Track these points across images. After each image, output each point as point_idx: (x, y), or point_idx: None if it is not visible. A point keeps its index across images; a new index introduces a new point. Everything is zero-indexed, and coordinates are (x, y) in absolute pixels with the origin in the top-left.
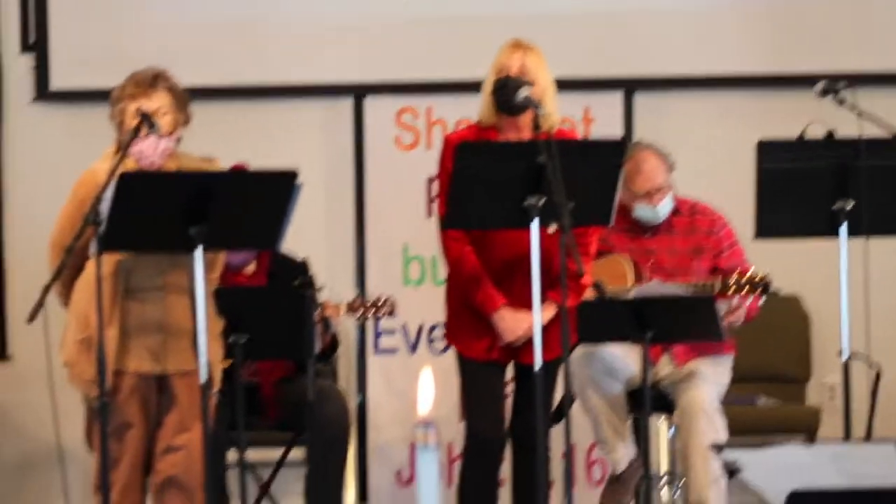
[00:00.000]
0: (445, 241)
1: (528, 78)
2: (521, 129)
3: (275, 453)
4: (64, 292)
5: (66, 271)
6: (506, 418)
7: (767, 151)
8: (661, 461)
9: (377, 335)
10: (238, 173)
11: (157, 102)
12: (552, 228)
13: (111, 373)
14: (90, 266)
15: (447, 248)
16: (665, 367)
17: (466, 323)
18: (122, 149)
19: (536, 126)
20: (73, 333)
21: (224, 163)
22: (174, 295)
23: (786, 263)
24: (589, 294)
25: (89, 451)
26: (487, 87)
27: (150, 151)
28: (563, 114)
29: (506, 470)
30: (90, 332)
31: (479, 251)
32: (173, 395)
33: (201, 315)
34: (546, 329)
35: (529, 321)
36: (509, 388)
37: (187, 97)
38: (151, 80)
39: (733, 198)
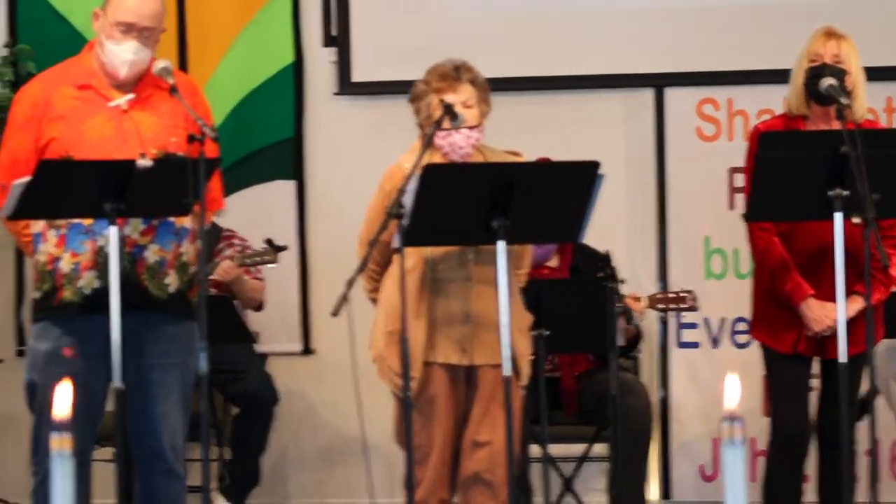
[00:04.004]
0: (753, 232)
1: (842, 67)
2: (830, 119)
3: (577, 448)
4: (371, 287)
5: (373, 265)
6: (811, 412)
7: None
8: None
9: (679, 328)
10: (540, 164)
11: (462, 95)
12: (857, 220)
13: (420, 365)
14: (397, 259)
15: (754, 238)
16: None
17: (773, 315)
18: (427, 141)
19: (840, 115)
20: (382, 326)
21: (527, 155)
22: (481, 286)
23: None
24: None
25: (399, 446)
26: (798, 76)
27: (462, 142)
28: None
29: (811, 465)
30: (398, 325)
31: (786, 242)
32: (480, 389)
33: (504, 309)
34: (852, 322)
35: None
36: (815, 382)
37: (489, 88)
38: (455, 73)
39: None
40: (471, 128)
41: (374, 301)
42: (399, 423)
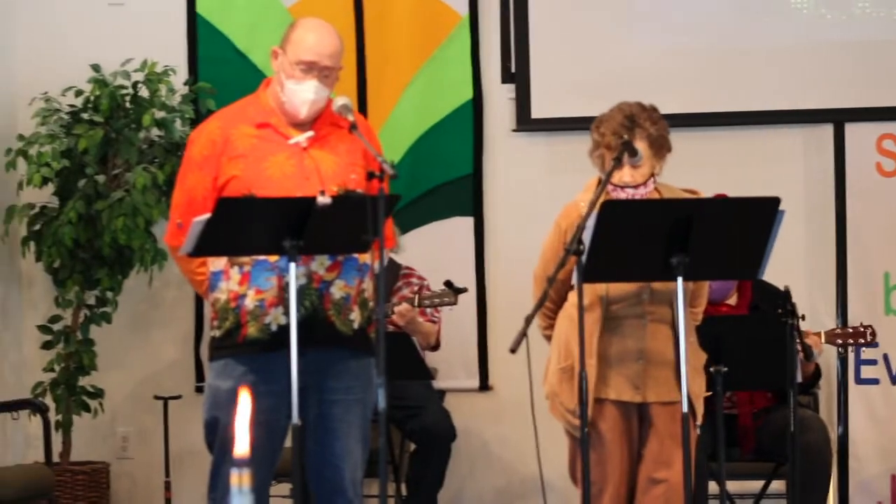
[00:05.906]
0: None
1: None
2: None
3: (755, 485)
4: (546, 324)
5: (548, 303)
6: None
7: None
8: None
9: (858, 365)
10: (719, 200)
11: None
12: None
13: (592, 402)
14: (572, 296)
15: None
16: None
17: None
18: (605, 179)
19: None
20: (555, 363)
21: (705, 191)
22: (655, 324)
23: None
24: None
25: (574, 483)
26: None
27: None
28: None
29: None
30: (571, 362)
31: None
32: (655, 426)
33: (682, 346)
34: None
35: None
36: None
37: (665, 134)
38: (628, 130)
39: None
40: (636, 186)
41: (548, 338)
42: (573, 460)
